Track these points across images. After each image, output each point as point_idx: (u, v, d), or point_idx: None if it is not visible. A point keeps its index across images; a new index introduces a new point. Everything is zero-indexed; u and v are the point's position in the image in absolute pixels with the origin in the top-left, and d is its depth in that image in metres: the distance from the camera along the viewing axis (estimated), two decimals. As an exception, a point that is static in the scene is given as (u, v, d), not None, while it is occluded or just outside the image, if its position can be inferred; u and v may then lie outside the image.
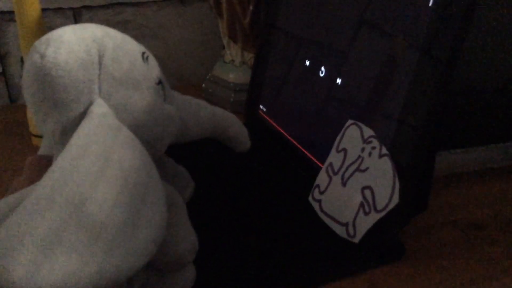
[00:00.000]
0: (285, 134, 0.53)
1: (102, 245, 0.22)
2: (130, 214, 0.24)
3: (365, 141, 0.39)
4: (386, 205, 0.36)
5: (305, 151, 0.49)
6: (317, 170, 0.44)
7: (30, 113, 0.53)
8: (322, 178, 0.43)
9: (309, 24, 0.50)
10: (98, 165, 0.23)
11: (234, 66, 0.66)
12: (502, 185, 0.48)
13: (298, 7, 0.52)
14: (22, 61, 0.69)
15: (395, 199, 0.35)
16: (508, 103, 0.51)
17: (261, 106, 0.58)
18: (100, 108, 0.25)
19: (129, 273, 0.23)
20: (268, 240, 0.39)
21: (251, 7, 0.62)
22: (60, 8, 0.69)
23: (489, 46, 0.48)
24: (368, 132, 0.39)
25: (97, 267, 0.22)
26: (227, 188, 0.46)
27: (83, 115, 0.25)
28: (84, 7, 0.69)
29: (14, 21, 0.67)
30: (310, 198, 0.44)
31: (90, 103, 0.25)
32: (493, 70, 0.50)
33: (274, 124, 0.55)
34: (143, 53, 0.28)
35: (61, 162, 0.23)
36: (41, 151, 0.33)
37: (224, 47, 0.68)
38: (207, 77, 0.68)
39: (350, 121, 0.41)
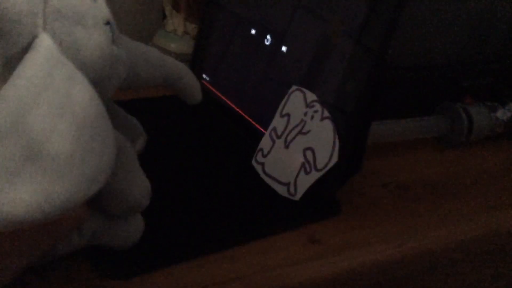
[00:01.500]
0: (229, 102, 0.54)
1: (50, 175, 0.23)
2: (80, 146, 0.24)
3: (308, 105, 0.41)
4: (326, 164, 0.39)
5: (249, 119, 0.51)
6: (261, 136, 0.46)
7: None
8: (265, 142, 0.45)
9: (249, 3, 0.52)
10: (60, 100, 0.23)
11: (176, 36, 0.66)
12: (428, 154, 0.52)
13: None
14: None
15: (335, 158, 0.38)
16: (436, 80, 0.56)
17: (204, 76, 0.59)
18: (44, 41, 0.25)
19: (77, 201, 0.24)
20: (211, 198, 0.41)
21: (195, -23, 0.62)
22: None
23: (416, 27, 0.53)
24: (311, 96, 0.41)
25: (45, 195, 0.22)
26: (173, 150, 0.47)
27: (26, 49, 0.25)
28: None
29: None
30: (253, 161, 0.45)
31: (34, 37, 0.25)
32: (423, 48, 0.54)
33: (217, 93, 0.56)
34: None
35: (13, 94, 0.23)
36: None
37: (165, 16, 0.68)
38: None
39: (294, 87, 0.43)
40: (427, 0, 0.52)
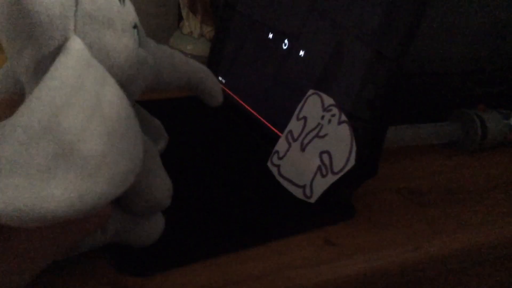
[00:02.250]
0: (245, 105, 0.55)
1: (83, 173, 0.23)
2: (110, 146, 0.25)
3: (325, 109, 0.42)
4: (343, 167, 0.39)
5: (265, 121, 0.51)
6: (277, 139, 0.46)
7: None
8: (281, 145, 0.45)
9: (265, 7, 0.53)
10: (91, 101, 0.24)
11: (192, 38, 0.67)
12: (441, 160, 0.53)
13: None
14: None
15: (352, 162, 0.39)
16: (448, 87, 0.57)
17: (220, 78, 0.60)
18: (76, 44, 0.25)
19: (107, 199, 0.24)
20: (228, 200, 0.41)
21: (213, -20, 0.63)
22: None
23: (432, 34, 0.53)
24: (328, 100, 0.42)
25: (78, 192, 0.23)
26: (190, 153, 0.48)
27: (57, 51, 0.25)
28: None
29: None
30: (268, 163, 0.46)
31: (65, 40, 0.25)
32: (438, 55, 0.54)
33: (233, 95, 0.57)
34: None
35: (46, 96, 0.23)
36: None
37: (182, 19, 0.68)
38: (164, 47, 0.69)
39: (311, 91, 0.44)
40: (442, 7, 0.52)
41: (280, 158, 0.45)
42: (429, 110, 0.55)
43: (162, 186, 0.31)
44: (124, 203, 0.31)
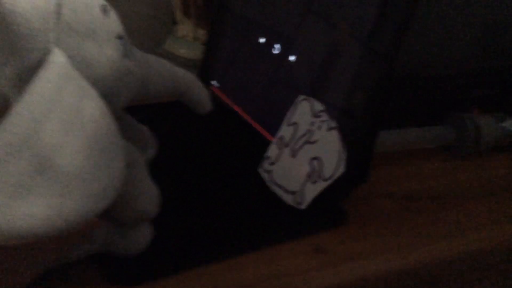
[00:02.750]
0: (238, 109, 0.55)
1: (61, 189, 0.23)
2: (90, 161, 0.24)
3: (315, 115, 0.42)
4: (333, 174, 0.39)
5: (257, 126, 0.51)
6: (269, 143, 0.46)
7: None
8: (272, 150, 0.45)
9: (260, 8, 0.52)
10: (70, 115, 0.24)
11: (186, 42, 0.67)
12: (435, 164, 0.53)
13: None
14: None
15: (341, 169, 0.38)
16: (441, 90, 0.56)
17: (213, 82, 0.60)
18: (56, 57, 0.25)
19: (87, 215, 0.24)
20: (217, 206, 0.41)
21: (206, -16, 0.63)
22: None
23: (425, 37, 0.53)
24: (318, 106, 0.42)
25: (57, 210, 0.23)
26: (181, 158, 0.47)
27: (39, 64, 0.25)
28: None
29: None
30: (259, 169, 0.46)
31: (47, 52, 0.25)
32: (432, 58, 0.54)
33: (226, 99, 0.57)
34: (104, 6, 0.29)
35: (25, 110, 0.23)
36: None
37: (176, 22, 0.68)
38: (159, 51, 0.69)
39: (301, 97, 0.44)
40: (436, 9, 0.52)
41: (271, 164, 0.45)
42: (423, 114, 0.55)
43: (149, 196, 0.31)
44: (112, 213, 0.30)
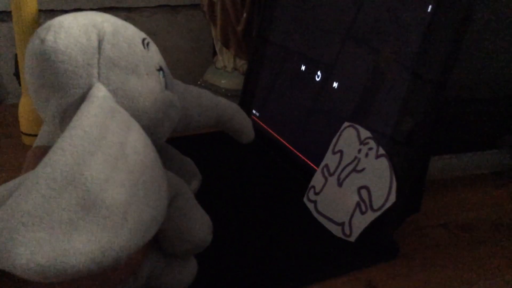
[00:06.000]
0: (279, 138, 0.54)
1: (109, 227, 0.22)
2: (134, 195, 0.24)
3: (362, 142, 0.40)
4: (383, 204, 0.37)
5: (299, 154, 0.50)
6: (312, 172, 0.45)
7: (22, 110, 0.53)
8: (317, 179, 0.44)
9: (299, 37, 0.52)
10: (114, 150, 0.24)
11: (226, 72, 0.67)
12: (489, 191, 0.49)
13: (289, 21, 0.54)
14: (16, 58, 0.68)
15: (392, 198, 0.36)
16: (496, 114, 0.54)
17: (254, 111, 0.59)
18: (99, 91, 0.25)
19: (131, 250, 0.23)
20: (264, 239, 0.40)
21: (244, 15, 0.63)
22: (52, 10, 0.68)
23: (480, 59, 0.51)
24: (365, 133, 0.40)
25: (101, 245, 0.22)
26: (225, 189, 0.47)
27: (82, 99, 0.25)
28: (76, 9, 0.69)
29: (5, 21, 0.67)
30: (305, 199, 0.44)
31: (90, 87, 0.26)
32: (485, 81, 0.52)
33: (268, 128, 0.56)
34: (144, 39, 0.29)
35: (69, 145, 0.23)
36: (37, 142, 0.33)
37: (216, 53, 0.69)
38: (199, 82, 0.69)
39: (346, 123, 0.42)
40: (487, 32, 0.50)
41: (316, 194, 0.43)
42: (476, 138, 0.52)
43: (201, 224, 0.30)
44: (167, 247, 0.30)
